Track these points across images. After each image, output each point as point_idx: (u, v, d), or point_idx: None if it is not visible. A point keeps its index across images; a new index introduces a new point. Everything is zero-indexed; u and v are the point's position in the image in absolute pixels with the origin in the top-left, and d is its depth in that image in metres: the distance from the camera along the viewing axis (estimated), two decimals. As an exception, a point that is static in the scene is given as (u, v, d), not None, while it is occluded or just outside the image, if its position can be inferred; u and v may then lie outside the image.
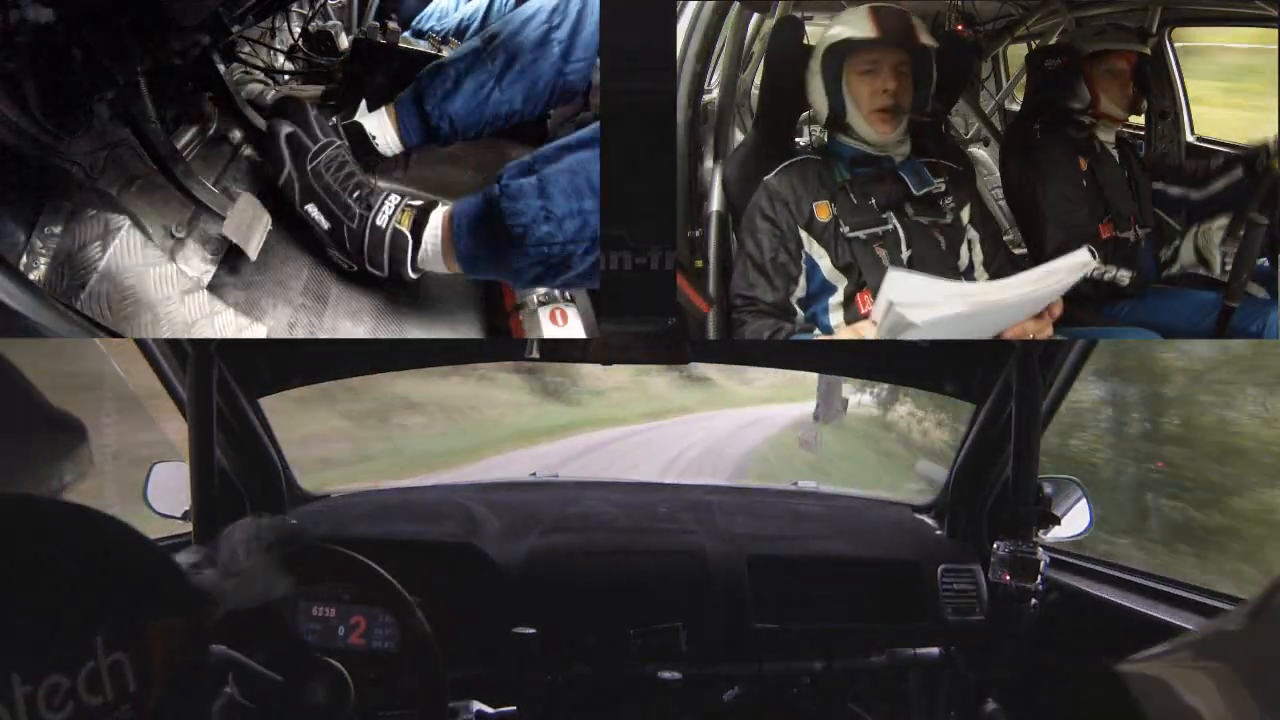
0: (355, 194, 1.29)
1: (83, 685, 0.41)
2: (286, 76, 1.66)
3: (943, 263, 1.34)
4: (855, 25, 1.31)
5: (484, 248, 1.23)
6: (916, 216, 1.35)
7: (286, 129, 1.30)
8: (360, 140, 1.45)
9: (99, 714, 0.41)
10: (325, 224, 1.29)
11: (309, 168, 1.29)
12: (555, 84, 1.42)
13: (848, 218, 1.32)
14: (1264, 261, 1.40)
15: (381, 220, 1.27)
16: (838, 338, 1.33)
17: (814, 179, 1.35)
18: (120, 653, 0.42)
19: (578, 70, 1.42)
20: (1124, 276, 1.49)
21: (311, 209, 1.29)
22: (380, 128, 1.47)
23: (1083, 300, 1.46)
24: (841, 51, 1.31)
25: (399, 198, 1.31)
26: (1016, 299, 1.16)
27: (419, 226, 1.27)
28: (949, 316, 1.13)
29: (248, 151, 1.44)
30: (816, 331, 1.34)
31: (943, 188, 1.37)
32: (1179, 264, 1.56)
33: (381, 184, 1.37)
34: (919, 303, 1.12)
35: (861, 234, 1.32)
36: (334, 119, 1.45)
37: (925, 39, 1.32)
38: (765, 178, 1.36)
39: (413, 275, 1.31)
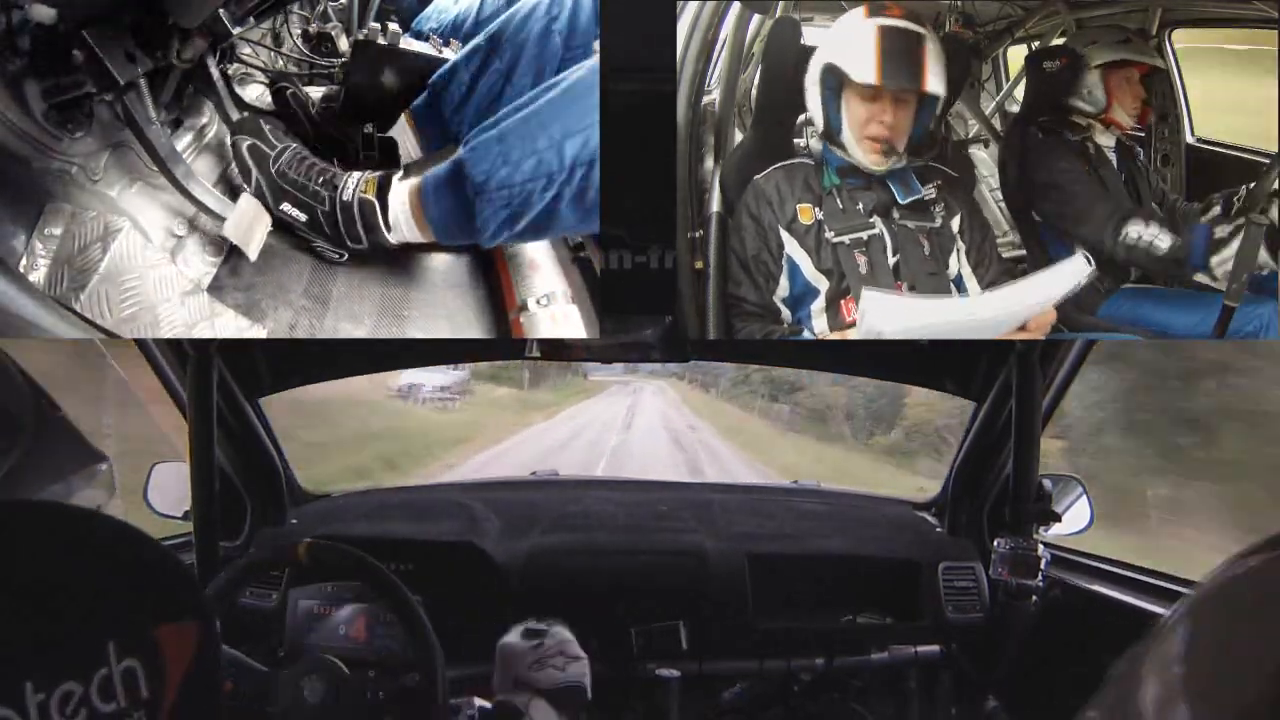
0: (320, 179, 1.33)
1: (95, 692, 0.40)
2: (287, 79, 1.66)
3: (930, 268, 1.33)
4: (857, 61, 1.25)
5: (452, 207, 1.29)
6: (904, 221, 1.34)
7: (246, 142, 1.35)
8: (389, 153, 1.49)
9: None
10: (302, 216, 1.32)
11: (273, 170, 1.33)
12: (559, 71, 1.47)
13: (832, 222, 1.32)
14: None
15: (347, 195, 1.32)
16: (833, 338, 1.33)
17: (801, 181, 1.34)
18: (133, 659, 0.42)
19: (580, 57, 1.47)
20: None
21: (287, 207, 1.32)
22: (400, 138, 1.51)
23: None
24: (842, 73, 1.29)
25: (360, 173, 1.34)
26: (1005, 315, 1.16)
27: (384, 191, 1.32)
28: (929, 327, 1.15)
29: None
30: (805, 335, 1.34)
31: (933, 193, 1.35)
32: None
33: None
34: (896, 328, 1.15)
35: (845, 239, 1.31)
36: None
37: (933, 84, 1.24)
38: (754, 177, 1.36)
39: (392, 243, 1.34)
